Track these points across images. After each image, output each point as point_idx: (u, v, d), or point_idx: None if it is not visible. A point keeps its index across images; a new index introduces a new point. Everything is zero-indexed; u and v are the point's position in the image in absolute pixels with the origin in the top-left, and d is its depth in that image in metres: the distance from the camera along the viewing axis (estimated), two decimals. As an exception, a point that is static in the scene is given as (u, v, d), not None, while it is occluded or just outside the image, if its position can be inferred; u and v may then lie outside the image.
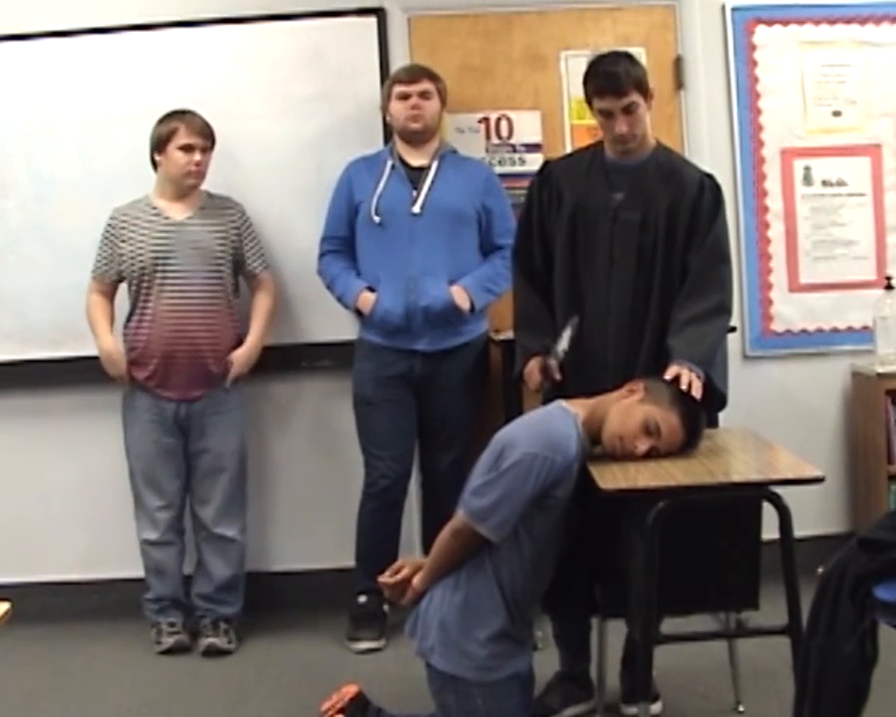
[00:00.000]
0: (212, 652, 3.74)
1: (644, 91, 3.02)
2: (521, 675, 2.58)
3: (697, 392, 2.77)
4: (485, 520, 2.46)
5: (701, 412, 2.77)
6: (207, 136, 3.77)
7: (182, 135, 3.71)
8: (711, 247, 3.02)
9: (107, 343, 3.78)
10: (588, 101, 3.07)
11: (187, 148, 3.72)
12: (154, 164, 3.79)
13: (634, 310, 3.03)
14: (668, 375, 2.78)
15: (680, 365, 2.82)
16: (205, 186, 3.87)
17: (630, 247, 3.03)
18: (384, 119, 3.92)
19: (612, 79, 2.97)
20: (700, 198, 3.03)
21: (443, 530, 2.58)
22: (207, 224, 3.80)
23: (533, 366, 3.09)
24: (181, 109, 3.77)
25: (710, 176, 3.10)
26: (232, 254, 3.83)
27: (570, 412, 2.60)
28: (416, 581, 2.60)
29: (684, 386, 2.75)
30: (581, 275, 3.09)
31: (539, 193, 3.17)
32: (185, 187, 3.77)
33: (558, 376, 2.98)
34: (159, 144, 3.74)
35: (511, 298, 3.65)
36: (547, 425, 2.55)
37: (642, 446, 2.59)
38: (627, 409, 2.60)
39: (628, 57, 3.05)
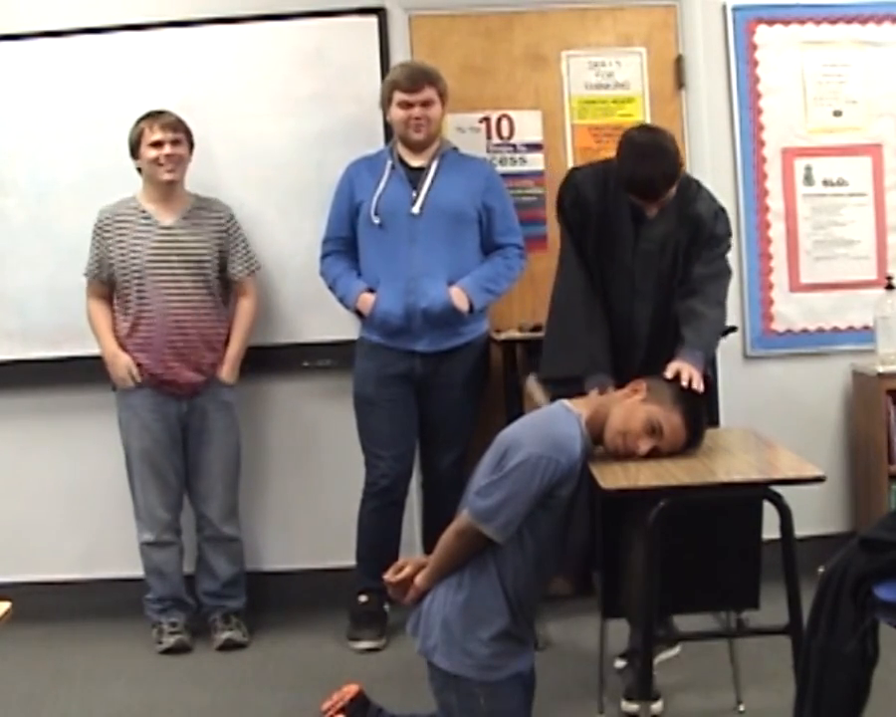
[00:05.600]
0: (229, 646, 3.77)
1: (676, 181, 3.07)
2: (523, 675, 2.58)
3: (698, 386, 2.84)
4: (490, 520, 2.46)
5: (704, 412, 2.78)
6: (176, 129, 3.77)
7: (149, 134, 3.72)
8: (715, 260, 3.18)
9: (111, 347, 3.78)
10: (618, 175, 3.10)
11: (157, 144, 3.72)
12: (138, 170, 3.81)
13: (654, 335, 3.16)
14: (669, 374, 2.83)
15: (681, 362, 2.88)
16: (204, 186, 3.88)
17: (649, 274, 3.15)
18: (384, 117, 3.92)
19: (647, 188, 3.03)
20: (715, 225, 3.18)
21: (447, 530, 2.58)
22: (196, 228, 3.80)
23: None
24: (151, 111, 3.78)
25: (724, 209, 3.25)
26: (219, 257, 3.84)
27: (574, 412, 2.60)
28: (419, 579, 2.60)
29: (685, 383, 2.79)
30: (608, 298, 3.20)
31: (571, 216, 3.25)
32: (162, 183, 3.77)
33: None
34: (134, 148, 3.76)
35: (508, 297, 3.75)
36: (551, 426, 2.55)
37: (644, 446, 2.59)
38: (630, 409, 2.60)
39: (663, 148, 3.05)
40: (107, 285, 3.82)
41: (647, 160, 3.01)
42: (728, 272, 3.25)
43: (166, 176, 3.76)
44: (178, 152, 3.77)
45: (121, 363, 3.77)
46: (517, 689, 2.56)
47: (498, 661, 2.51)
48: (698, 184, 3.28)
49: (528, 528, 2.50)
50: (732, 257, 3.31)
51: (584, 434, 2.56)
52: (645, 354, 3.17)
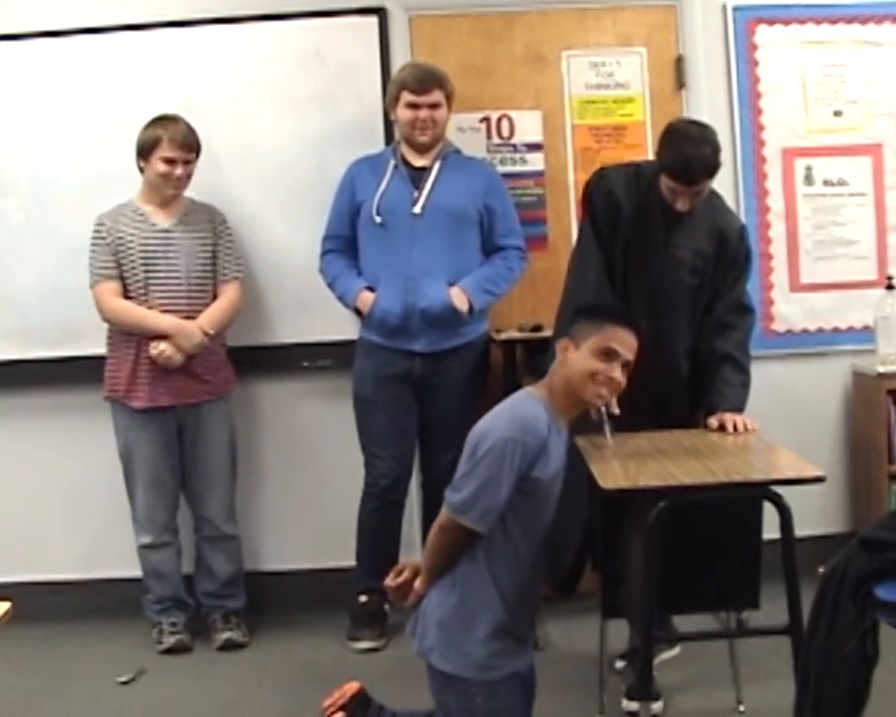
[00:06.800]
0: (229, 646, 3.77)
1: (715, 173, 3.09)
2: (521, 674, 2.58)
3: (753, 425, 3.03)
4: (467, 511, 2.46)
5: (621, 307, 2.85)
6: (190, 148, 3.76)
7: (165, 148, 3.70)
8: (738, 298, 3.25)
9: (170, 319, 3.70)
10: (659, 163, 3.12)
11: (169, 162, 3.71)
12: (140, 169, 3.80)
13: (674, 346, 3.22)
14: (714, 425, 3.04)
15: (723, 414, 3.06)
16: (204, 186, 3.89)
17: (677, 285, 3.19)
18: (385, 115, 3.91)
19: (687, 171, 3.03)
20: (739, 247, 3.22)
21: (431, 528, 2.58)
22: (192, 231, 3.80)
23: None
24: (165, 115, 3.77)
25: (745, 227, 3.32)
26: (213, 258, 3.84)
27: (535, 395, 2.59)
28: (418, 584, 2.60)
29: (730, 428, 3.00)
30: (630, 307, 3.20)
31: (601, 213, 3.25)
32: (166, 196, 3.79)
33: (616, 410, 3.07)
34: (143, 152, 3.74)
35: (508, 297, 3.74)
36: (514, 410, 2.54)
37: (616, 372, 2.55)
38: (575, 358, 2.55)
39: (707, 137, 3.08)
40: (120, 282, 3.76)
41: (690, 143, 3.04)
42: (751, 312, 3.30)
43: (172, 193, 3.78)
44: (189, 172, 3.78)
45: (193, 328, 3.70)
46: (515, 689, 2.56)
47: (495, 661, 2.50)
48: (721, 199, 3.32)
49: (512, 517, 2.48)
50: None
51: (550, 413, 2.53)
52: (667, 362, 3.19)
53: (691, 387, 3.23)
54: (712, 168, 3.06)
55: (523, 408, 2.53)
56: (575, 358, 2.55)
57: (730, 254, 3.21)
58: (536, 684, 2.67)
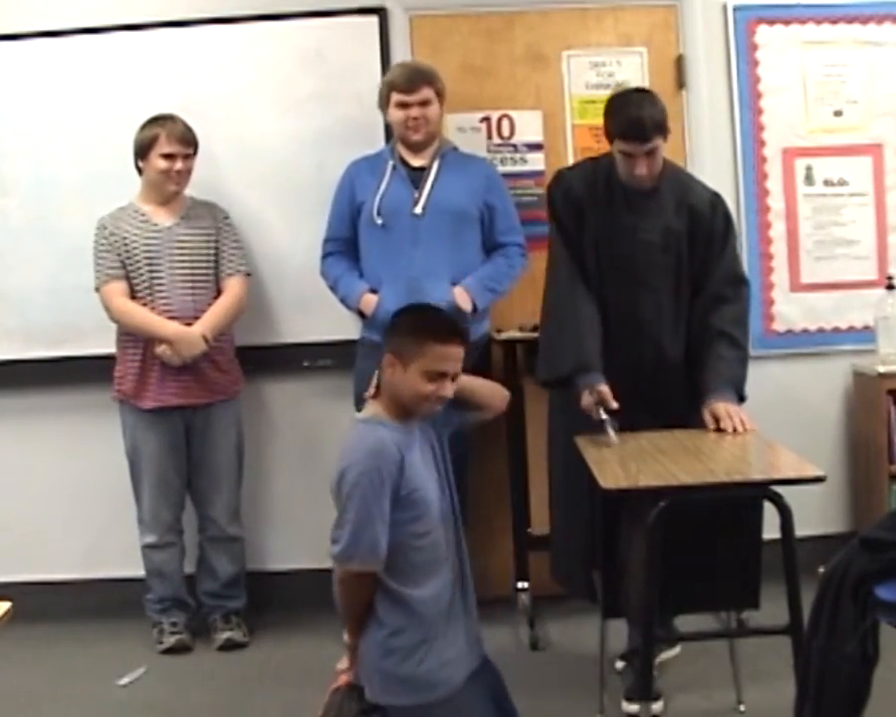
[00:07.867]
0: (229, 646, 3.78)
1: (665, 132, 3.10)
2: (477, 675, 2.50)
3: (750, 425, 2.98)
4: (352, 557, 2.39)
5: (435, 311, 2.71)
6: (189, 143, 3.77)
7: (164, 144, 3.71)
8: (731, 267, 3.21)
9: (174, 326, 3.70)
10: (608, 136, 3.14)
11: (169, 157, 3.72)
12: (139, 170, 3.80)
13: (662, 327, 3.18)
14: (709, 423, 3.01)
15: (717, 403, 3.02)
16: (204, 185, 3.89)
17: (653, 267, 3.15)
18: (384, 118, 3.91)
19: (638, 127, 3.04)
20: (713, 219, 3.18)
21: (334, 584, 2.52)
22: (193, 229, 3.81)
23: (589, 404, 3.10)
24: (162, 114, 3.78)
25: (717, 195, 3.24)
26: (215, 256, 3.83)
27: (371, 418, 2.52)
28: (346, 638, 2.56)
29: (729, 429, 2.96)
30: (608, 297, 3.19)
31: (563, 212, 3.25)
32: (167, 194, 3.79)
33: (614, 405, 3.05)
34: (142, 151, 3.76)
35: (509, 297, 3.73)
36: (359, 443, 2.47)
37: (446, 390, 2.46)
38: (406, 382, 2.45)
39: (651, 97, 3.12)
40: (126, 282, 3.76)
41: (634, 104, 3.09)
42: (746, 283, 3.25)
43: (174, 189, 3.78)
44: (188, 167, 3.79)
45: (196, 336, 3.70)
46: (474, 694, 2.48)
47: (441, 675, 2.43)
48: (689, 175, 3.32)
49: (408, 537, 2.42)
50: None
51: (393, 427, 2.46)
52: (653, 347, 3.17)
53: (689, 376, 3.19)
54: (661, 124, 3.07)
55: (366, 437, 2.46)
56: (404, 379, 2.45)
57: (704, 228, 3.17)
58: (497, 674, 2.58)
